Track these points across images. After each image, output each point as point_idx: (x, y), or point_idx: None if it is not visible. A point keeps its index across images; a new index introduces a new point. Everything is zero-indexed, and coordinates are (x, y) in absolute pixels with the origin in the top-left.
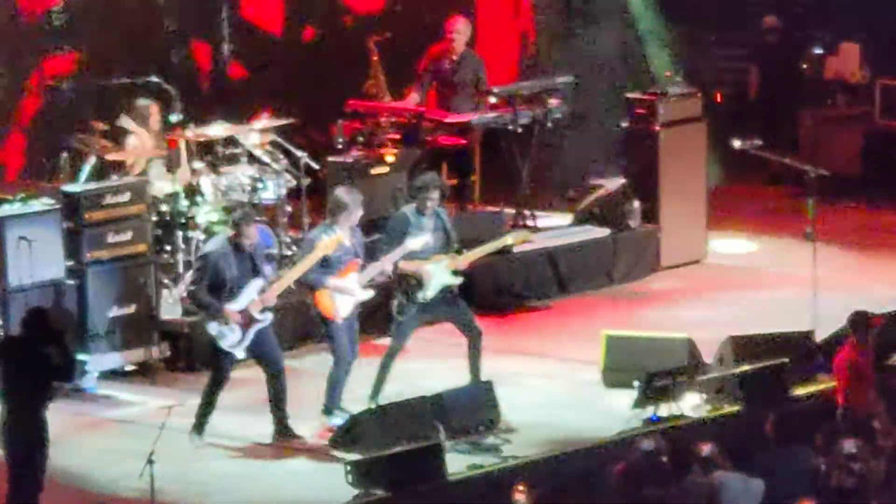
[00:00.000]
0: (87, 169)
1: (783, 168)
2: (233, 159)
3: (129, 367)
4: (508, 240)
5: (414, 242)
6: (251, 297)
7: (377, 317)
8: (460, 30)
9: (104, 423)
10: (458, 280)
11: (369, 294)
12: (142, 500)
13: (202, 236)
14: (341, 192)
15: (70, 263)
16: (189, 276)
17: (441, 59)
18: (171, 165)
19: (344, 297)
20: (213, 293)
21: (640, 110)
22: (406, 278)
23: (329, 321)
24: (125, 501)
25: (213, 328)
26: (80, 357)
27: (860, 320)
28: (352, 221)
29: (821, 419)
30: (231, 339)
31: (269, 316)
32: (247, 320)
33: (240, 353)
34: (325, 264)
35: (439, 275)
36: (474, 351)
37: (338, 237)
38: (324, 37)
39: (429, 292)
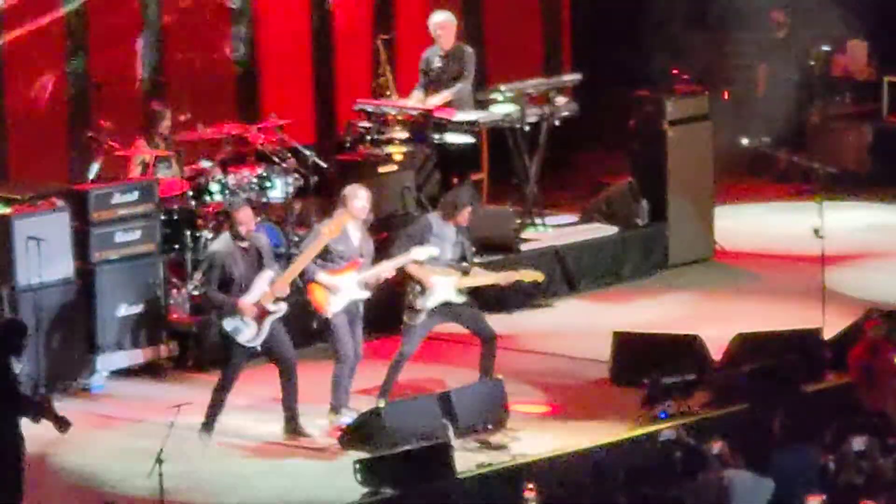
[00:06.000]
0: (95, 168)
1: (791, 165)
2: (240, 158)
3: (138, 366)
4: (519, 276)
5: (419, 253)
6: (263, 289)
7: (386, 316)
8: (444, 24)
9: (113, 422)
10: (462, 299)
11: (365, 294)
12: (151, 499)
13: (210, 235)
14: (345, 189)
15: (79, 263)
16: (197, 276)
17: (431, 58)
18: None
19: (337, 294)
20: (222, 291)
21: (647, 108)
22: (411, 283)
23: (328, 318)
24: (134, 500)
25: (228, 324)
26: (90, 357)
27: (874, 318)
28: (356, 210)
29: (830, 417)
30: (247, 333)
31: (283, 306)
32: (261, 312)
33: (257, 347)
34: (327, 258)
35: (444, 289)
36: (488, 353)
37: (342, 219)
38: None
39: (429, 303)
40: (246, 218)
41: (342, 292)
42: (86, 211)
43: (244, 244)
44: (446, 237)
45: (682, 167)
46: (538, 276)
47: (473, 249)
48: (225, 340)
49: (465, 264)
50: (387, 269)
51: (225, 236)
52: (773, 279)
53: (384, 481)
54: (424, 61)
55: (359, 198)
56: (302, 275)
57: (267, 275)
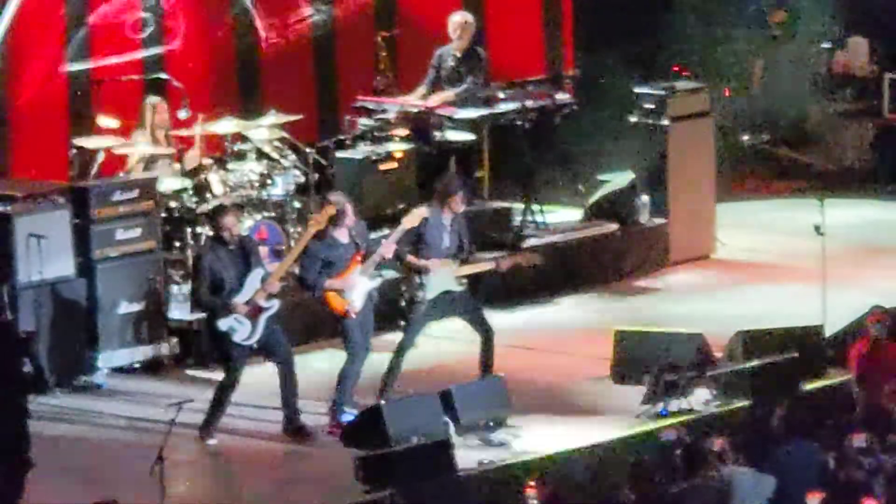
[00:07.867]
0: (96, 166)
1: (791, 162)
2: (241, 155)
3: (139, 364)
4: (517, 260)
5: (412, 218)
6: (254, 286)
7: (388, 312)
8: (463, 26)
9: (114, 420)
10: (461, 287)
11: (377, 282)
12: (151, 497)
13: (211, 233)
14: (333, 198)
15: (79, 260)
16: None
17: (445, 57)
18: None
19: (351, 291)
20: (214, 294)
21: (648, 105)
22: (410, 276)
23: (343, 317)
24: (134, 499)
25: (223, 325)
26: (90, 354)
27: (875, 314)
28: (349, 222)
29: (831, 413)
30: (242, 332)
31: (276, 303)
32: (255, 310)
33: (254, 345)
34: (328, 267)
35: (442, 279)
36: (486, 348)
37: (328, 213)
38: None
39: (429, 294)
40: (231, 223)
41: (356, 288)
42: (86, 208)
43: (231, 246)
44: (443, 226)
45: (684, 164)
46: (536, 259)
47: (474, 247)
48: (221, 342)
49: (462, 253)
50: (385, 247)
51: (209, 240)
52: (775, 276)
53: (385, 479)
54: (437, 58)
55: (349, 211)
56: (313, 291)
57: (258, 272)
